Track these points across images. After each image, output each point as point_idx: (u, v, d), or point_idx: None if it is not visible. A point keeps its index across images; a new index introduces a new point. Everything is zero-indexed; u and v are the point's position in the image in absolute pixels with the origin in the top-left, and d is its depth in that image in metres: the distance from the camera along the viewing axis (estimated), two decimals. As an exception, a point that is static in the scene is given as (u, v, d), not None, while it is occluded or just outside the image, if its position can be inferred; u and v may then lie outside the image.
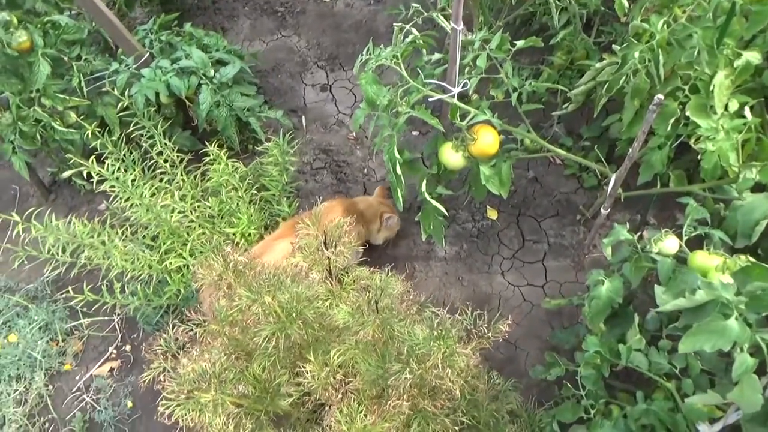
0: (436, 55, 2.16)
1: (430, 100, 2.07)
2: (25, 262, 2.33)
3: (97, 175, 2.32)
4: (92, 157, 2.34)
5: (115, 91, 2.52)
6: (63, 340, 2.61)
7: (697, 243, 1.86)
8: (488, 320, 1.51)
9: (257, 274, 1.61)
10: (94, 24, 2.80)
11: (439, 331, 1.43)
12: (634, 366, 1.73)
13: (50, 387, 2.52)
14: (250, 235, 2.44)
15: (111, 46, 2.96)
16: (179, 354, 1.58)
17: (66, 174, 2.53)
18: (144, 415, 2.41)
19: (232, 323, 1.64)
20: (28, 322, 2.59)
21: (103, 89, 2.66)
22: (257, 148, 2.76)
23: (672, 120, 1.99)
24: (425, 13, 2.27)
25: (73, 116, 2.63)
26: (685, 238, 1.84)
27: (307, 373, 1.52)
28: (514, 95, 2.13)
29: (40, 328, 2.60)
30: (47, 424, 2.44)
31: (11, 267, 2.56)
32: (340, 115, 3.24)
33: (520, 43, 2.04)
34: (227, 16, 3.77)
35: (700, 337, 1.24)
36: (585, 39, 2.60)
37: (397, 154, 2.04)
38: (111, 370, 2.55)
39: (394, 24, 2.18)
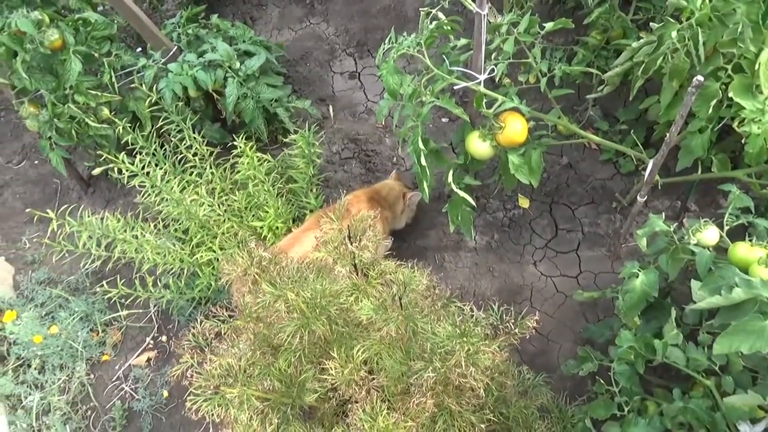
0: (462, 41, 2.09)
1: (455, 87, 2.01)
2: (66, 255, 2.40)
3: (127, 171, 2.35)
4: (123, 153, 2.37)
5: (143, 87, 2.55)
6: (103, 331, 2.69)
7: (739, 233, 1.76)
8: (519, 313, 1.47)
9: (281, 269, 1.61)
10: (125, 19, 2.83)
11: (463, 329, 1.40)
12: (671, 362, 1.66)
13: (91, 376, 2.61)
14: (277, 228, 2.45)
15: (144, 40, 3.00)
16: (207, 349, 1.60)
17: (96, 171, 2.59)
18: (180, 405, 2.47)
19: (257, 319, 1.65)
20: (69, 313, 2.68)
21: (134, 84, 2.70)
22: (286, 139, 2.76)
23: (713, 102, 1.89)
24: (452, -3, 2.21)
25: (105, 112, 2.68)
26: (726, 228, 1.74)
27: (332, 369, 1.52)
28: (543, 80, 2.05)
29: (80, 319, 2.69)
30: (89, 412, 2.53)
31: (53, 260, 2.65)
32: (368, 103, 3.20)
33: (549, 26, 1.96)
34: (256, 5, 3.76)
35: (737, 337, 1.17)
36: (622, 17, 2.48)
37: (421, 145, 1.99)
38: (148, 360, 2.62)
39: (421, 9, 2.12)
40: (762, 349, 1.15)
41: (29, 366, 2.62)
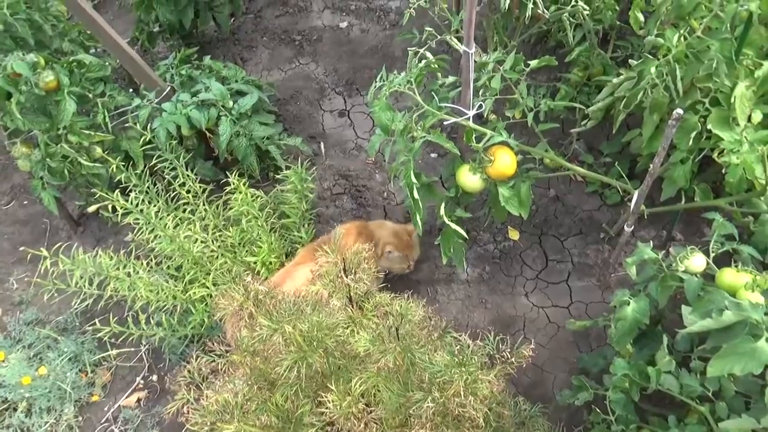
0: (450, 78, 2.16)
1: (445, 123, 2.07)
2: (55, 294, 2.39)
3: (121, 208, 2.37)
4: (117, 191, 2.39)
5: (137, 126, 2.58)
6: (92, 371, 2.65)
7: (725, 259, 1.80)
8: (513, 344, 1.48)
9: (278, 303, 1.62)
10: (118, 60, 2.88)
11: (460, 358, 1.41)
12: (665, 389, 1.68)
13: (80, 418, 2.55)
14: (270, 263, 2.46)
15: (136, 81, 3.05)
16: (202, 385, 1.59)
17: (92, 208, 2.59)
18: (171, 446, 2.42)
19: (253, 353, 1.64)
20: (58, 354, 2.63)
21: (127, 124, 2.73)
22: (278, 176, 2.80)
23: (693, 134, 1.96)
24: (438, 36, 2.29)
25: (98, 151, 2.69)
26: (712, 255, 1.79)
27: (329, 402, 1.51)
28: (530, 115, 2.12)
29: (69, 359, 2.64)
30: (77, 456, 2.47)
31: (42, 300, 2.62)
32: (358, 140, 3.26)
33: (533, 63, 2.03)
34: (246, 46, 3.85)
35: (729, 359, 1.20)
36: (601, 54, 2.59)
37: (414, 179, 2.04)
38: (138, 400, 2.57)
39: (409, 48, 2.19)
40: (754, 370, 1.17)
41: (15, 409, 2.56)
